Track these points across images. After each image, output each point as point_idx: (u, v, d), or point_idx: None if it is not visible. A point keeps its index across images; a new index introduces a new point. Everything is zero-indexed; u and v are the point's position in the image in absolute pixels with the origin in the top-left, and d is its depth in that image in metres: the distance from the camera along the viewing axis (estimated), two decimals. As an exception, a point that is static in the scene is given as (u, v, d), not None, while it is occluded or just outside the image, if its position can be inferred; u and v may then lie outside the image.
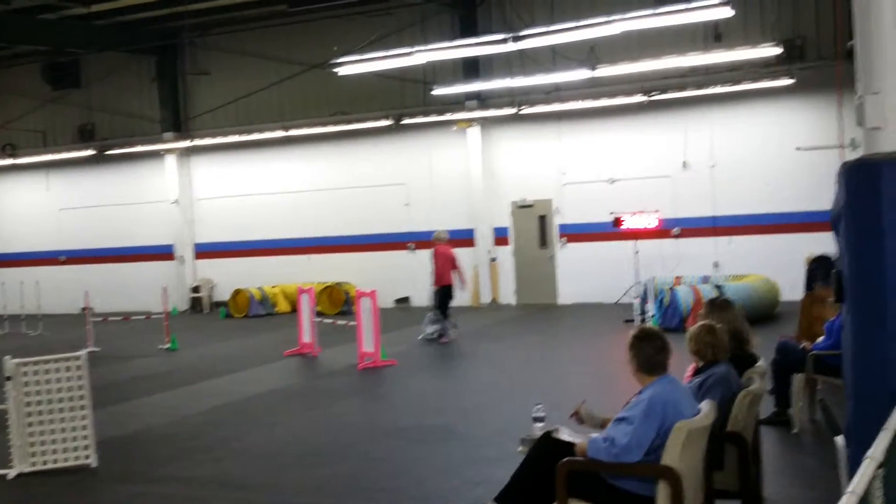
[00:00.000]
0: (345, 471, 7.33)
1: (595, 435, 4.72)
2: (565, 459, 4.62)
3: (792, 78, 17.18)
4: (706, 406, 4.75)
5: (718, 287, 15.14)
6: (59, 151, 24.46)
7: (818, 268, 13.39)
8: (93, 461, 7.61)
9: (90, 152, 23.91)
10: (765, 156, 18.38)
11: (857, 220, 4.50)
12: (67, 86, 24.14)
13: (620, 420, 4.63)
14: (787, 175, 18.13)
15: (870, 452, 2.91)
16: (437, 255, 15.06)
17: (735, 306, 6.40)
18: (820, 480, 6.40)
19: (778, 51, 16.33)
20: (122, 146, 23.76)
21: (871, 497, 2.75)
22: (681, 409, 4.57)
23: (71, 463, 7.55)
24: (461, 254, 20.36)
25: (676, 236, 19.01)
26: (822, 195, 15.96)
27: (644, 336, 4.80)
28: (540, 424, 5.42)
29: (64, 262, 25.56)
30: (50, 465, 7.51)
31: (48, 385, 7.50)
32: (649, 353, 4.74)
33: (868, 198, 4.43)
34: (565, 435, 4.89)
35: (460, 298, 16.28)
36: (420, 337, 15.05)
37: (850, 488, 2.55)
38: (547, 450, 4.82)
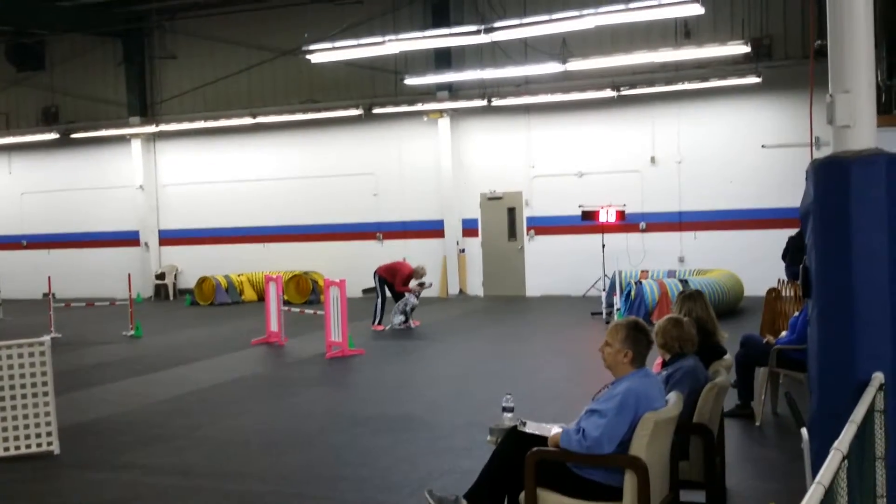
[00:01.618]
0: (309, 460, 7.31)
1: (566, 427, 4.73)
2: (535, 449, 4.63)
3: (759, 76, 17.39)
4: (673, 397, 4.79)
5: (684, 281, 15.31)
6: (22, 134, 24.04)
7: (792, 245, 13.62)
8: (55, 448, 7.53)
9: (54, 135, 23.51)
10: (731, 153, 18.59)
11: (826, 217, 4.57)
12: (31, 67, 23.71)
13: (593, 412, 4.62)
14: (752, 172, 18.37)
15: (836, 444, 2.97)
16: (395, 262, 16.18)
17: (704, 297, 6.52)
18: (782, 472, 6.51)
19: (746, 49, 16.53)
20: (86, 130, 23.39)
21: (835, 487, 2.80)
22: (653, 403, 4.60)
23: (33, 450, 7.45)
24: (430, 244, 20.53)
25: (643, 231, 19.17)
26: (787, 192, 16.24)
27: (641, 328, 4.79)
28: (509, 414, 5.44)
29: (26, 247, 25.16)
30: (12, 452, 7.39)
31: (10, 371, 7.38)
32: (643, 344, 4.76)
33: (837, 194, 4.50)
34: (532, 429, 4.91)
35: (429, 289, 16.29)
36: (387, 327, 15.11)
37: (817, 479, 2.60)
38: (515, 444, 4.83)
